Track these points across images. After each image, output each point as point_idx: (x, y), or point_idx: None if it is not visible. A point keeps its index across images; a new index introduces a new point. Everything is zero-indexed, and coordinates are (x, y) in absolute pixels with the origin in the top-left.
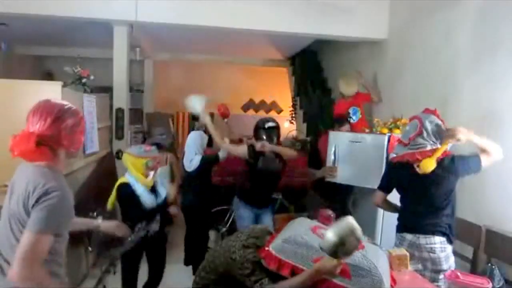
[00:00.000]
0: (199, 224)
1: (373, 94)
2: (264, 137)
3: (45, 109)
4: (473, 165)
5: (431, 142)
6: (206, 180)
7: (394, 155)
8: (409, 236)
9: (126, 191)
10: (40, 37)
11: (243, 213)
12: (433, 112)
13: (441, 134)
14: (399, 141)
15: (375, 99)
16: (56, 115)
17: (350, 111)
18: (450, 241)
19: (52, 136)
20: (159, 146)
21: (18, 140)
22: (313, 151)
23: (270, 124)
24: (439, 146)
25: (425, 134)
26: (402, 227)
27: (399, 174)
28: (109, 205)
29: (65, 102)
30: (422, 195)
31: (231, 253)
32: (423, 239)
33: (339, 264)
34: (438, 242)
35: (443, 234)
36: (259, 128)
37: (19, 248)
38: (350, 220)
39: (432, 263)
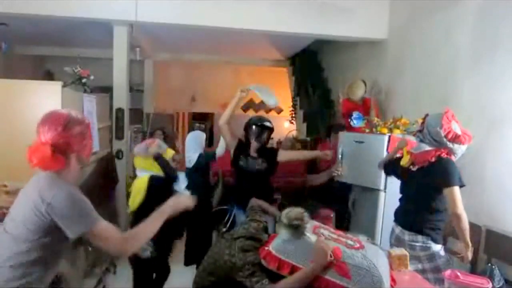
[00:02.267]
0: (201, 223)
1: None
2: (255, 136)
3: (54, 119)
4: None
5: (427, 142)
6: (205, 178)
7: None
8: (397, 230)
9: None
10: (40, 37)
11: (240, 218)
12: (444, 113)
13: (438, 138)
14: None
15: None
16: (64, 124)
17: (354, 114)
18: (435, 241)
19: (64, 144)
20: None
21: (34, 150)
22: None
23: (267, 124)
24: (438, 147)
25: (425, 131)
26: (395, 215)
27: (394, 167)
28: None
29: (71, 111)
30: (411, 192)
31: (230, 256)
32: (407, 235)
33: (326, 250)
34: (420, 241)
35: (427, 234)
36: (252, 124)
37: (101, 243)
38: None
39: (416, 261)
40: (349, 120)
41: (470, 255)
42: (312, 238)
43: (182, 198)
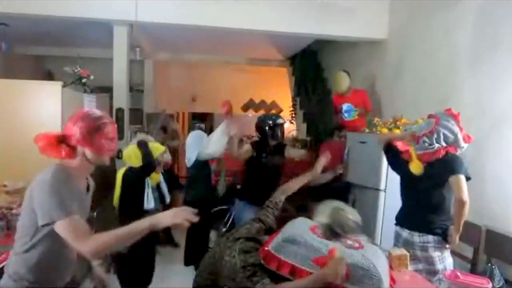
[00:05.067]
0: (200, 223)
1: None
2: (271, 135)
3: (75, 114)
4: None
5: (440, 145)
6: (206, 178)
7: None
8: (404, 234)
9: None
10: (40, 37)
11: (247, 214)
12: (455, 116)
13: (456, 140)
14: (412, 136)
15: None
16: (77, 117)
17: (344, 107)
18: (445, 240)
19: (72, 136)
20: None
21: (42, 136)
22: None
23: (280, 120)
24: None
25: (435, 136)
26: (399, 220)
27: (401, 165)
28: None
29: (93, 110)
30: (418, 192)
31: (231, 257)
32: (417, 237)
33: (343, 264)
34: (432, 241)
35: (438, 233)
36: (266, 124)
37: (65, 236)
38: (335, 203)
39: (425, 263)
40: (340, 114)
41: (456, 240)
42: (339, 249)
43: (183, 212)
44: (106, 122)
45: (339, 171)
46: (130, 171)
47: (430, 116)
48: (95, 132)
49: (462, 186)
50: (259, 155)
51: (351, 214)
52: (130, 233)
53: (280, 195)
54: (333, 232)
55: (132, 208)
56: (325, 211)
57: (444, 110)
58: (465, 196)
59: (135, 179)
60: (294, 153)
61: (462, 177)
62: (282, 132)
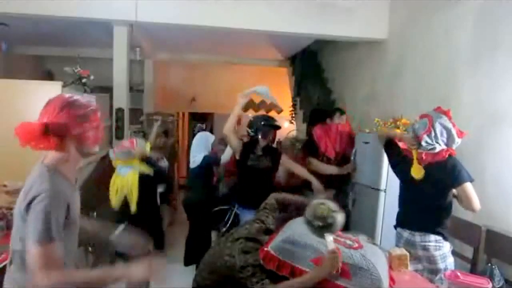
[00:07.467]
0: (201, 223)
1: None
2: (262, 135)
3: (56, 99)
4: (453, 180)
5: (439, 144)
6: (208, 178)
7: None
8: (405, 234)
9: None
10: (40, 37)
11: (244, 216)
12: (446, 113)
13: (450, 137)
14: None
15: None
16: (63, 105)
17: None
18: (446, 239)
19: (60, 125)
20: None
21: (24, 126)
22: (310, 142)
23: (276, 123)
24: (448, 148)
25: (432, 134)
26: (399, 222)
27: (403, 166)
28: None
29: (76, 95)
30: (419, 192)
31: (231, 257)
32: (418, 237)
33: (336, 258)
34: (433, 240)
35: (438, 232)
36: (259, 124)
37: (31, 259)
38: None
39: (427, 262)
40: None
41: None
42: (328, 242)
43: (139, 271)
44: (92, 108)
45: (349, 171)
46: (145, 176)
47: (422, 116)
48: (87, 119)
49: (471, 196)
50: (247, 156)
51: (330, 207)
52: (99, 280)
53: (271, 199)
54: (315, 226)
55: (151, 208)
56: (308, 208)
57: (433, 109)
58: (476, 204)
59: (152, 183)
60: (292, 166)
61: (468, 186)
62: (274, 136)
